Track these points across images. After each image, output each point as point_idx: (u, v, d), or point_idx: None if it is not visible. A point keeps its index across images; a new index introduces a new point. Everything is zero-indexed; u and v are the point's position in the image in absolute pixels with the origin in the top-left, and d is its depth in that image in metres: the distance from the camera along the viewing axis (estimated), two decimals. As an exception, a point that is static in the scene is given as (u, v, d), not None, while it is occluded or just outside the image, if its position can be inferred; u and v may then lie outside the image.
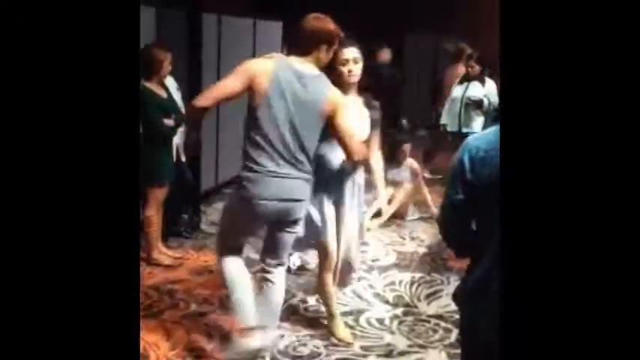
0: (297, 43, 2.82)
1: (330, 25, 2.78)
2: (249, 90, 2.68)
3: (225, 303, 3.69)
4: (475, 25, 8.94)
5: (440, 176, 6.72)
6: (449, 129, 6.54)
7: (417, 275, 4.35)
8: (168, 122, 4.11)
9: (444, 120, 6.65)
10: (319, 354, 3.19)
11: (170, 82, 4.36)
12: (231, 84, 2.69)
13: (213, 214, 5.54)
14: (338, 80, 2.94)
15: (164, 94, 4.16)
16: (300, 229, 2.98)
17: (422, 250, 4.96)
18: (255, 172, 2.71)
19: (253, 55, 6.46)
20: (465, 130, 6.27)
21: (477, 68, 6.30)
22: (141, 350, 3.10)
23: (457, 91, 6.44)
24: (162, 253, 4.33)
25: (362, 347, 3.30)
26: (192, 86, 4.84)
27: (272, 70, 2.67)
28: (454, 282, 4.25)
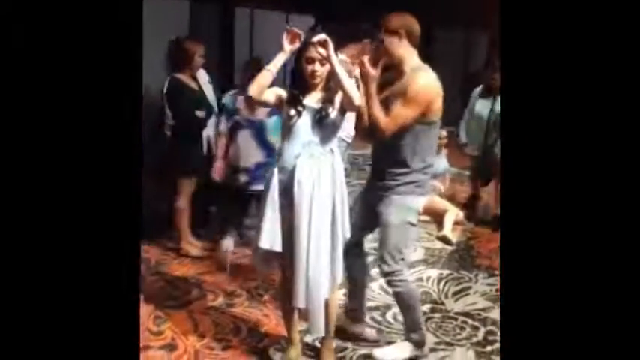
0: None
1: None
2: None
3: (253, 294, 3.73)
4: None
5: (467, 172, 6.52)
6: (468, 144, 5.72)
7: (445, 272, 4.33)
8: (199, 114, 4.15)
9: (462, 139, 5.76)
10: (345, 348, 3.20)
11: (202, 75, 4.39)
12: None
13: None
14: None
15: (195, 87, 4.20)
16: None
17: (450, 246, 4.93)
18: None
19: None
20: (496, 150, 5.29)
21: None
22: (169, 340, 3.16)
23: (481, 106, 5.52)
24: (192, 244, 4.37)
25: (388, 343, 3.28)
26: (224, 79, 4.87)
27: None
28: (482, 279, 4.22)
